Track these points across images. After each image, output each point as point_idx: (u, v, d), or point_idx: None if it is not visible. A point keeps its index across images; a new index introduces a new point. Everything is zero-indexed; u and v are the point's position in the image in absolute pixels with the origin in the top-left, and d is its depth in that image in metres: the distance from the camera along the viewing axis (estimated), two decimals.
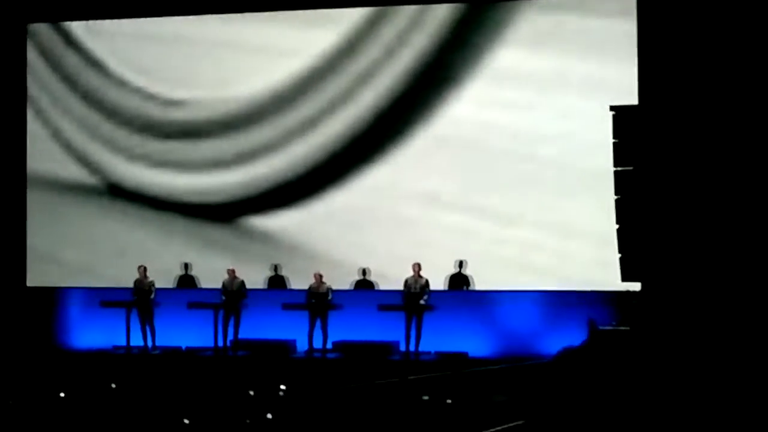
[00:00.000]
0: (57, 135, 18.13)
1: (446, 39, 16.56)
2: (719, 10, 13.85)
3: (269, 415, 9.88)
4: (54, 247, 18.00)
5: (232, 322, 16.47)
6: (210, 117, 17.51)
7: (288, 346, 16.35)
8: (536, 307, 16.08)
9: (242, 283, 16.60)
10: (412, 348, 15.88)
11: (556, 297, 15.92)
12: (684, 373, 9.03)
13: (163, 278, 17.17)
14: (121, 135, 17.84)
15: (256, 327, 16.53)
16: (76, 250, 17.92)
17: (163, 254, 17.47)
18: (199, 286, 17.34)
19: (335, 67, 16.99)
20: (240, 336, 16.46)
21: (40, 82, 18.22)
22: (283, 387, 11.65)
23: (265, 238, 17.22)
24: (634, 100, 14.91)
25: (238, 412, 10.26)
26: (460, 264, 16.35)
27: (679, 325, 11.28)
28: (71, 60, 18.10)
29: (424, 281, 15.96)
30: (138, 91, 17.75)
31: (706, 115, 12.42)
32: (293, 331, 16.36)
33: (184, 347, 16.79)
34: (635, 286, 12.90)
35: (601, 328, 12.73)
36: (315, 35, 17.02)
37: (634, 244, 12.35)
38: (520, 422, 9.44)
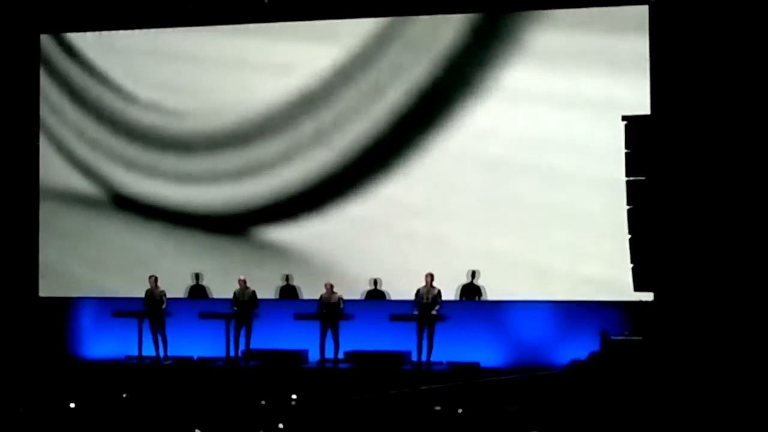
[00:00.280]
0: (69, 149, 18.17)
1: (458, 53, 16.53)
2: (731, 24, 13.83)
3: (281, 425, 9.87)
4: (66, 258, 18.02)
5: (243, 332, 16.48)
6: (221, 129, 17.52)
7: (300, 356, 16.34)
8: (548, 317, 16.04)
9: (253, 293, 16.60)
10: (423, 358, 15.86)
11: (568, 307, 15.87)
12: (697, 382, 9.01)
13: (175, 289, 17.18)
14: (134, 149, 17.85)
15: (268, 337, 16.53)
16: (88, 261, 17.94)
17: (175, 265, 17.47)
18: (210, 296, 17.36)
19: (347, 79, 16.99)
20: (252, 346, 16.46)
21: (51, 94, 18.26)
22: (294, 397, 11.65)
23: (277, 248, 17.22)
24: (646, 113, 14.89)
25: (250, 422, 10.25)
26: (473, 274, 16.33)
27: (691, 334, 11.25)
28: (80, 74, 18.12)
29: (436, 291, 15.95)
30: (151, 105, 17.78)
31: (718, 126, 12.41)
32: (305, 341, 16.35)
33: (195, 357, 16.79)
34: (648, 296, 12.89)
35: (613, 338, 12.71)
36: (326, 47, 17.02)
37: (647, 254, 12.34)
38: None
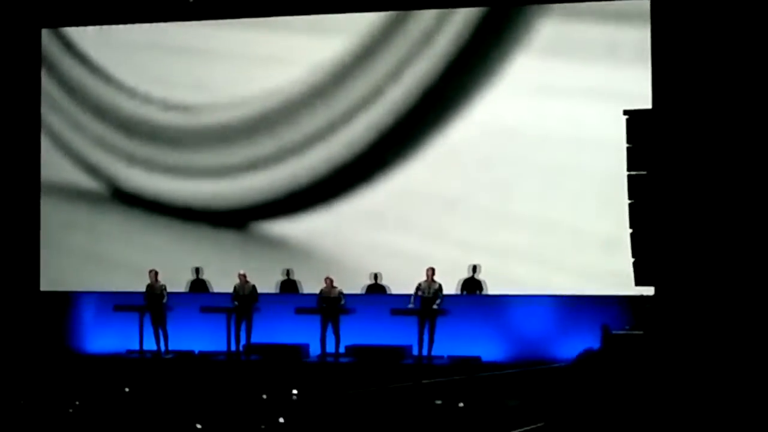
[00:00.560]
0: (69, 143, 18.17)
1: (462, 46, 16.51)
2: (733, 16, 13.81)
3: (282, 419, 9.88)
4: (67, 253, 18.03)
5: (244, 327, 16.49)
6: (222, 123, 17.51)
7: (301, 350, 16.35)
8: (549, 311, 16.05)
9: (253, 287, 16.60)
10: (425, 352, 15.87)
11: (569, 301, 15.89)
12: (698, 377, 9.00)
13: (176, 283, 17.18)
14: (135, 143, 17.85)
15: (269, 331, 16.54)
16: (88, 256, 17.94)
17: (175, 259, 17.48)
18: (211, 290, 17.36)
19: (350, 73, 16.98)
20: (252, 340, 16.47)
21: (51, 90, 18.25)
22: (295, 391, 11.65)
23: (277, 243, 17.22)
24: (648, 106, 14.87)
25: (251, 416, 10.26)
26: (474, 268, 16.33)
27: (693, 329, 11.25)
28: (78, 69, 18.11)
29: (437, 286, 15.95)
30: (151, 100, 17.77)
31: (720, 120, 12.40)
32: (306, 335, 16.36)
33: (197, 351, 16.80)
34: (649, 291, 12.88)
35: (614, 332, 12.70)
36: (331, 41, 17.00)
37: (648, 249, 12.33)
38: (533, 427, 9.42)
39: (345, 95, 17.00)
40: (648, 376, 8.88)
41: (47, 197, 18.17)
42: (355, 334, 16.18)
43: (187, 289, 17.39)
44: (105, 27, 17.95)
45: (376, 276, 16.69)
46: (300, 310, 16.33)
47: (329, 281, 16.30)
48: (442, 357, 15.91)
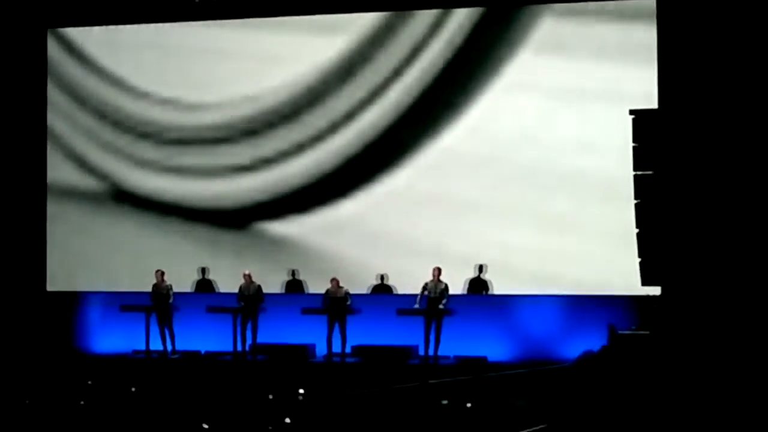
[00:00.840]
0: (75, 145, 18.17)
1: (463, 45, 16.51)
2: (738, 16, 13.80)
3: (288, 420, 9.88)
4: (73, 253, 18.04)
5: (250, 327, 16.49)
6: (227, 123, 17.52)
7: (307, 350, 16.36)
8: (555, 311, 16.04)
9: (259, 287, 16.61)
10: (431, 352, 15.87)
11: (575, 301, 15.87)
12: (704, 377, 9.00)
13: (182, 283, 17.19)
14: (141, 144, 17.85)
15: (275, 331, 16.55)
16: (95, 256, 17.96)
17: (181, 259, 17.49)
18: (217, 290, 17.37)
19: (352, 73, 16.99)
20: (259, 340, 16.48)
21: (56, 92, 18.27)
22: (302, 391, 11.65)
23: (283, 242, 17.23)
24: (654, 105, 14.86)
25: (257, 416, 10.25)
26: (480, 268, 16.32)
27: (699, 329, 11.23)
28: (83, 70, 18.12)
29: (443, 286, 15.94)
30: (155, 99, 17.78)
31: (726, 119, 12.39)
32: (312, 335, 16.37)
33: (203, 351, 16.82)
34: (655, 290, 12.87)
35: (620, 332, 12.69)
36: (332, 40, 17.02)
37: (654, 248, 12.32)
38: (539, 427, 9.41)
39: (348, 94, 16.99)
40: (654, 376, 8.88)
41: (53, 198, 18.18)
42: (361, 334, 16.18)
43: (194, 289, 17.41)
44: (110, 27, 17.96)
45: (382, 277, 16.68)
46: (306, 311, 16.33)
47: (335, 282, 16.30)
48: (448, 357, 15.91)
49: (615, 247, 15.17)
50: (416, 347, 16.08)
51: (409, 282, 16.27)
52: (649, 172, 12.43)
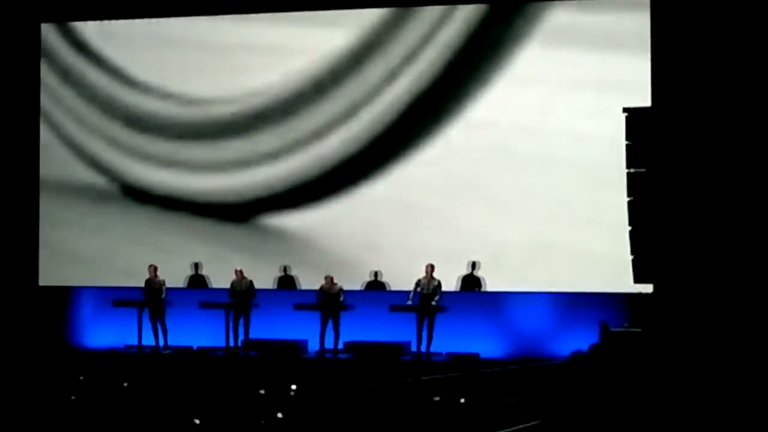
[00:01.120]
0: (69, 138, 18.16)
1: (465, 41, 16.50)
2: (733, 9, 13.79)
3: (280, 415, 9.88)
4: (66, 248, 18.02)
5: (242, 322, 16.49)
6: (224, 118, 17.51)
7: (299, 346, 16.35)
8: (548, 308, 16.04)
9: (251, 283, 16.60)
10: (423, 349, 15.87)
11: (568, 298, 15.88)
12: (696, 374, 9.01)
13: (174, 278, 17.17)
14: (133, 137, 17.84)
15: (268, 327, 16.53)
16: (87, 251, 17.94)
17: (174, 254, 17.47)
18: (210, 285, 17.36)
19: (354, 67, 16.97)
20: (251, 336, 16.47)
21: (51, 83, 18.25)
22: (294, 387, 11.66)
23: (276, 238, 17.22)
24: (649, 100, 14.87)
25: (249, 412, 10.26)
26: (473, 265, 16.33)
27: (691, 326, 11.25)
28: (81, 62, 18.11)
29: (436, 282, 15.94)
30: (152, 92, 17.77)
31: (720, 117, 12.39)
32: (304, 331, 16.36)
33: (195, 347, 16.80)
34: (648, 288, 12.88)
35: (613, 329, 12.70)
36: (335, 35, 16.99)
37: (647, 246, 12.33)
38: (531, 423, 9.42)
39: (345, 90, 16.99)
40: (646, 373, 8.88)
41: (46, 192, 18.16)
42: (353, 330, 16.18)
43: (186, 285, 17.39)
44: (106, 22, 17.93)
45: (376, 274, 16.68)
46: (299, 306, 16.33)
47: (329, 279, 16.30)
48: (440, 354, 15.91)
49: (608, 245, 15.17)
50: (409, 344, 16.08)
51: (403, 279, 16.27)
52: (642, 170, 12.44)
